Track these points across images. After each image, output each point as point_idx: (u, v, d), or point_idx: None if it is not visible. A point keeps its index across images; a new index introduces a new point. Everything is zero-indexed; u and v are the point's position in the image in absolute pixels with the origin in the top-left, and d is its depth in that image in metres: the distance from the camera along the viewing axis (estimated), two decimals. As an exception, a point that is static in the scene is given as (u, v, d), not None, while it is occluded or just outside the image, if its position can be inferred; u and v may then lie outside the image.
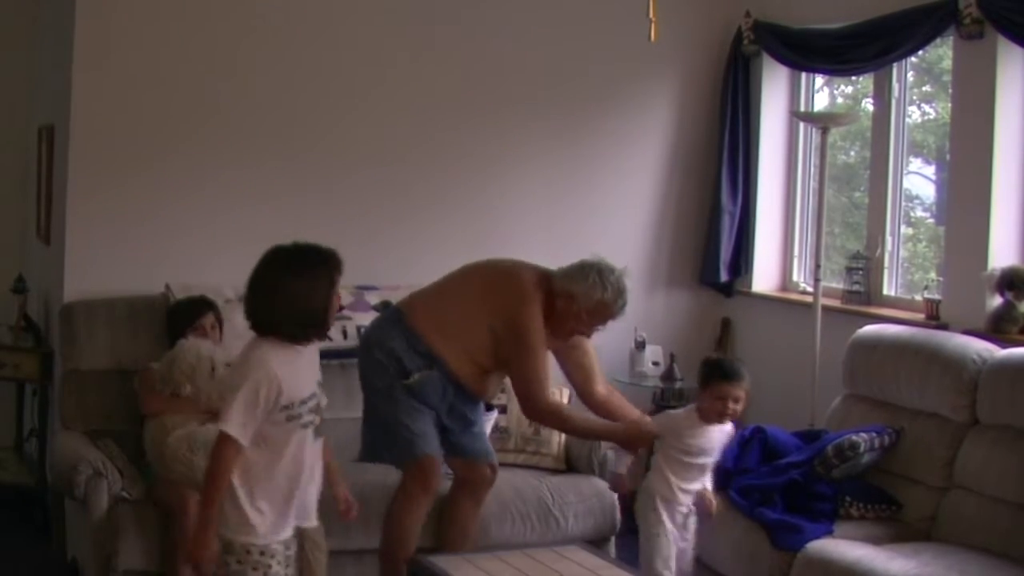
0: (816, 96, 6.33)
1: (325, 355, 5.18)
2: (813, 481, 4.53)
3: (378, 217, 5.57)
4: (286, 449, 3.45)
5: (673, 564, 4.31)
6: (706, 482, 4.43)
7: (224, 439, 3.37)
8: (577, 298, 4.34)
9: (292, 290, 3.46)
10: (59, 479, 4.54)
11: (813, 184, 6.16)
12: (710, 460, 4.42)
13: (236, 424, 3.35)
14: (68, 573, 4.83)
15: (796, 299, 6.16)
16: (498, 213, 5.90)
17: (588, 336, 4.50)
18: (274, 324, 3.45)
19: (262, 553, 3.44)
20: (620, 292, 4.38)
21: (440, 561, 4.13)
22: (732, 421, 4.44)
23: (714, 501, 4.42)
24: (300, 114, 5.60)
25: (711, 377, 4.36)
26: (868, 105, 6.02)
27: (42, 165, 5.96)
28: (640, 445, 4.46)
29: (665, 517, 4.33)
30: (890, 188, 5.73)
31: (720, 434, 4.42)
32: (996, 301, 5.00)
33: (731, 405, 4.32)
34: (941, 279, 5.39)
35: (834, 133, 5.84)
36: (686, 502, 4.38)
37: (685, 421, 4.39)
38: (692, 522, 4.41)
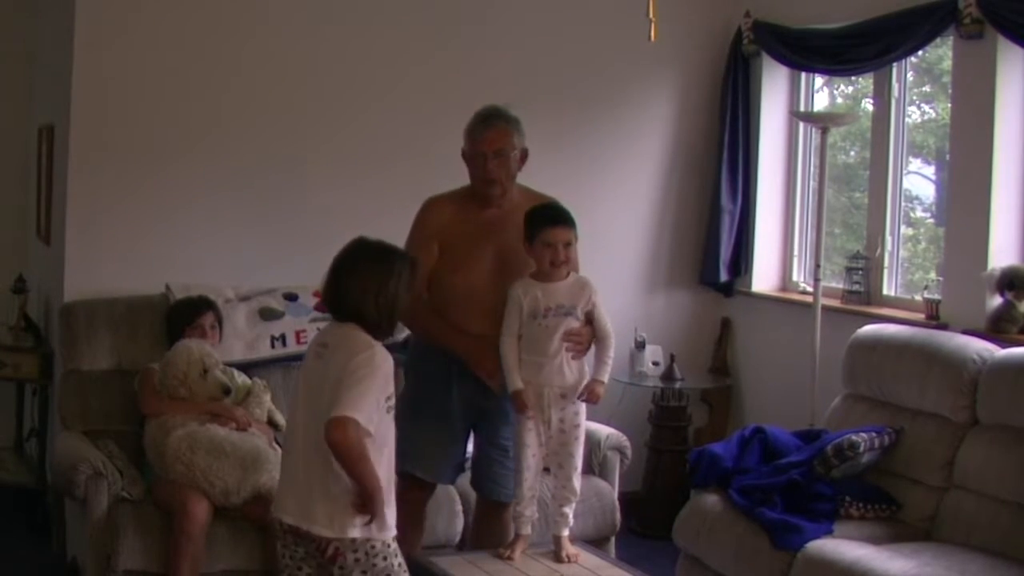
0: (816, 96, 6.33)
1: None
2: (813, 481, 4.52)
3: (379, 218, 5.55)
4: (389, 442, 3.50)
5: (532, 449, 4.16)
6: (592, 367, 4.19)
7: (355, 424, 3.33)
8: (464, 149, 4.31)
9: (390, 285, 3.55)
10: (59, 479, 4.53)
11: (813, 184, 6.16)
12: (569, 319, 4.16)
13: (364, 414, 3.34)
14: (68, 573, 4.83)
15: (796, 299, 6.16)
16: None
17: (494, 178, 4.24)
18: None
19: (388, 546, 3.47)
20: (475, 114, 4.29)
21: (440, 561, 4.14)
22: (568, 268, 4.17)
23: (599, 392, 4.17)
24: (302, 115, 5.60)
25: (537, 225, 4.16)
26: (868, 105, 6.02)
27: (42, 165, 5.96)
28: (483, 363, 4.19)
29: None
30: (890, 188, 5.73)
31: (572, 287, 4.18)
32: (996, 301, 5.00)
33: (561, 251, 4.13)
34: (941, 279, 5.39)
35: (834, 133, 5.85)
36: (552, 380, 4.15)
37: (521, 288, 4.17)
38: (568, 409, 4.18)
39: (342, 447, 3.32)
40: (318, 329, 5.18)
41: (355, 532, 3.39)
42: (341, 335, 3.50)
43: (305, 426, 3.46)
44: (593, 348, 4.25)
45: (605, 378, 4.22)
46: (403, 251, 3.69)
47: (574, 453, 4.22)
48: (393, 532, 3.49)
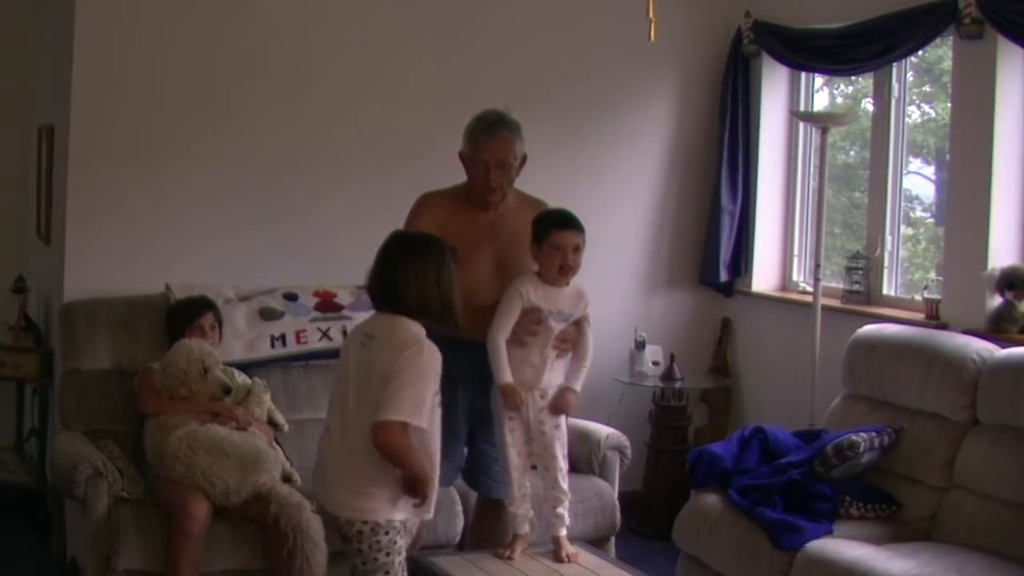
0: (816, 96, 6.33)
1: (329, 355, 5.24)
2: (813, 481, 4.52)
3: (381, 218, 5.55)
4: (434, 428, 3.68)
5: (516, 448, 4.21)
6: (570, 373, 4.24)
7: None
8: (462, 151, 4.34)
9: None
10: (59, 479, 4.53)
11: (813, 184, 6.17)
12: (559, 325, 4.19)
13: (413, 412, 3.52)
14: (68, 573, 4.83)
15: (796, 299, 6.17)
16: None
17: (496, 187, 4.27)
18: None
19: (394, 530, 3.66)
20: (477, 119, 4.30)
21: (440, 561, 4.14)
22: (573, 273, 4.19)
23: (572, 401, 4.22)
24: (302, 115, 5.60)
25: (547, 227, 4.17)
26: (868, 105, 6.02)
27: (42, 165, 5.96)
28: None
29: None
30: (890, 188, 5.73)
31: (573, 295, 4.22)
32: (996, 301, 5.00)
33: (570, 255, 4.15)
34: (941, 279, 5.39)
35: (834, 133, 5.85)
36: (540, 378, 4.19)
37: (530, 285, 4.17)
38: (547, 411, 4.21)
39: (389, 449, 3.48)
40: (319, 329, 5.21)
41: (384, 515, 3.57)
42: (388, 327, 3.61)
43: (346, 415, 3.60)
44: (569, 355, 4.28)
45: (579, 387, 4.25)
46: (442, 240, 3.80)
47: (556, 454, 4.23)
48: (431, 514, 3.74)
